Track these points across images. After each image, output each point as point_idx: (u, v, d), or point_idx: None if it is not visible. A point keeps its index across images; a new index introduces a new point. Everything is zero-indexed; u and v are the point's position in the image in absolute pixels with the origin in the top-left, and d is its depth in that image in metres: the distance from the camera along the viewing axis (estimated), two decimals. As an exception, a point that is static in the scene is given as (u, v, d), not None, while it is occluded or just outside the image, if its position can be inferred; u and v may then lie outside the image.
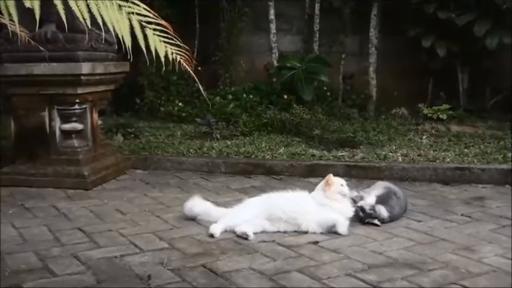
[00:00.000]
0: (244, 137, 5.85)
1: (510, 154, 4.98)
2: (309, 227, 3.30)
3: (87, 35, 4.30)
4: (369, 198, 3.53)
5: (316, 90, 6.98)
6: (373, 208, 3.46)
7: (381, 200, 3.53)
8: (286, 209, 3.34)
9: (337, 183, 3.43)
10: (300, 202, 3.40)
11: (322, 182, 3.44)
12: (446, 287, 2.54)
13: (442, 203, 3.98)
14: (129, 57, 1.85)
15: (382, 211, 3.48)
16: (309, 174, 4.77)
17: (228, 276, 2.65)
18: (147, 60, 1.75)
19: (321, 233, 3.26)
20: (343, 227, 3.29)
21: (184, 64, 1.78)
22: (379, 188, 3.69)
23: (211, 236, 3.20)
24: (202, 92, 3.09)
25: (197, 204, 3.51)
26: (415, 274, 2.69)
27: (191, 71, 1.81)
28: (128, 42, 1.74)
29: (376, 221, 3.42)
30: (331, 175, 3.45)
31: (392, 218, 3.50)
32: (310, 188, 3.60)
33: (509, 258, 2.91)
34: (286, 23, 7.71)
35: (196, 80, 1.98)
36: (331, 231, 3.28)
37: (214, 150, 5.27)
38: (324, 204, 3.36)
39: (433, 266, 2.80)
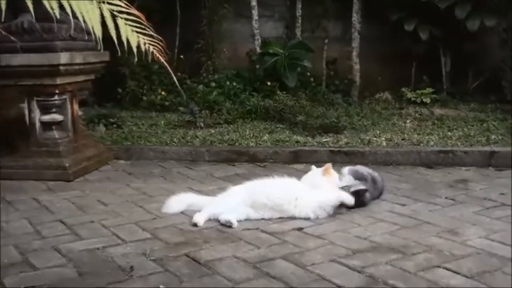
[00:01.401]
0: (227, 124, 5.83)
1: (493, 136, 5.00)
2: (302, 213, 3.29)
3: (65, 25, 4.23)
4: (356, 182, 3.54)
5: (300, 76, 6.94)
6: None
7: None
8: (271, 195, 3.33)
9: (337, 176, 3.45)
10: (289, 188, 3.39)
11: (322, 169, 3.44)
12: (430, 270, 2.54)
13: (426, 187, 3.98)
14: (99, 47, 1.81)
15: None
16: (293, 161, 4.76)
17: (211, 265, 2.63)
18: (119, 51, 1.70)
19: (307, 219, 3.26)
20: (349, 198, 3.33)
21: (157, 54, 1.74)
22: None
23: (195, 225, 3.19)
24: (175, 81, 3.03)
25: (179, 202, 3.47)
26: (399, 258, 2.69)
27: (164, 61, 1.77)
28: (98, 32, 1.69)
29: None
30: (330, 165, 3.44)
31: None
32: (295, 175, 3.59)
33: (493, 239, 2.92)
34: (268, 9, 7.65)
35: (170, 70, 1.94)
36: (314, 219, 3.28)
37: (197, 139, 5.24)
38: (320, 187, 3.36)
39: (417, 249, 2.80)
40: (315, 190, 3.36)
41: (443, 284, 2.39)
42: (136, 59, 2.22)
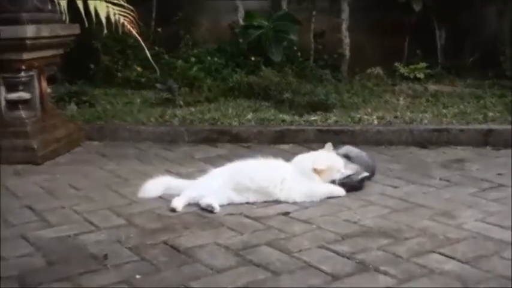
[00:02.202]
0: (208, 102, 5.79)
1: (490, 113, 5.01)
2: (287, 197, 3.30)
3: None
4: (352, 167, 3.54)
5: (286, 50, 6.89)
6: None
7: None
8: (255, 177, 3.32)
9: (331, 169, 3.39)
10: (274, 170, 3.39)
11: (310, 161, 3.39)
12: (423, 255, 2.55)
13: (419, 167, 3.99)
14: (64, 18, 1.76)
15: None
16: (278, 141, 4.75)
17: (191, 252, 2.62)
18: (86, 22, 1.66)
19: (294, 203, 3.26)
20: (340, 192, 3.36)
21: (128, 26, 1.70)
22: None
23: (173, 210, 3.17)
24: (149, 55, 2.99)
25: (156, 186, 3.45)
26: (390, 243, 2.69)
27: (136, 34, 1.73)
28: (63, 1, 1.65)
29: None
30: (318, 163, 3.38)
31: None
32: (281, 155, 3.59)
33: (490, 222, 2.94)
34: (251, -22, 7.57)
35: (143, 44, 1.89)
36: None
37: (176, 118, 5.21)
38: (310, 178, 3.35)
39: (410, 233, 2.81)
40: (304, 178, 3.35)
41: (437, 269, 2.41)
42: (105, 31, 2.17)
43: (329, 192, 3.38)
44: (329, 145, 3.55)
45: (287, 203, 3.27)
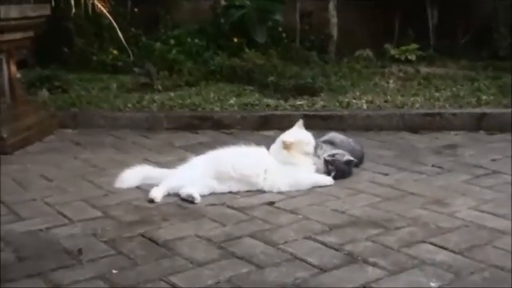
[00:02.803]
0: (189, 87, 5.78)
1: (484, 97, 5.04)
2: (272, 187, 3.30)
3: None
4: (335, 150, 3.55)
5: (270, 31, 6.88)
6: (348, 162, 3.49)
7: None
8: (237, 166, 3.32)
9: (300, 143, 3.39)
10: (258, 158, 3.38)
11: (279, 141, 3.40)
12: (414, 245, 2.56)
13: (411, 153, 4.01)
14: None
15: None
16: (263, 127, 4.75)
17: (171, 245, 2.62)
18: (52, 1, 1.62)
19: (279, 193, 3.27)
20: (328, 180, 3.38)
21: (99, 5, 1.67)
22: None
23: (152, 201, 3.16)
24: (121, 37, 2.96)
25: (134, 175, 3.43)
26: (380, 233, 2.70)
27: (107, 13, 1.70)
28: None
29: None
30: (287, 136, 3.39)
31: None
32: (265, 143, 3.58)
33: (483, 211, 2.96)
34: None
35: (114, 22, 1.87)
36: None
37: (155, 104, 5.19)
38: (287, 163, 3.35)
39: (401, 223, 2.82)
40: (285, 166, 3.35)
41: (428, 260, 2.42)
42: (74, 11, 2.14)
43: (315, 181, 3.39)
44: (300, 122, 3.54)
45: (272, 192, 3.27)
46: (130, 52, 5.38)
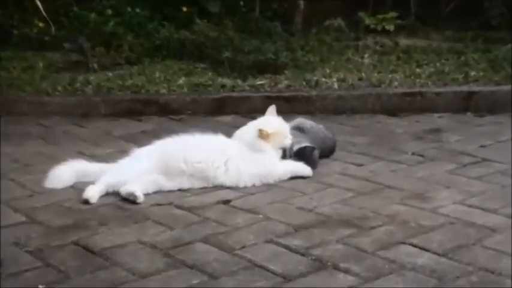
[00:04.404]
0: (130, 65, 5.75)
1: (473, 73, 5.10)
2: (234, 180, 3.31)
3: None
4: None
5: (225, -2, 6.87)
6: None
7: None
8: (189, 158, 3.32)
9: (279, 134, 3.42)
10: (214, 147, 3.39)
11: (253, 127, 3.41)
12: (392, 247, 2.59)
13: (388, 140, 4.06)
14: None
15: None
16: (218, 111, 4.76)
17: (109, 253, 2.61)
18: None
19: (236, 189, 3.28)
20: (306, 170, 3.40)
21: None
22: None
23: (86, 202, 3.15)
24: (39, 5, 2.91)
25: (65, 172, 3.40)
26: (353, 234, 2.73)
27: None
28: None
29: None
30: (265, 125, 3.40)
31: None
32: (221, 130, 3.59)
33: (471, 205, 3.01)
34: None
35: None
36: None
37: (90, 86, 5.15)
38: (257, 150, 3.37)
39: (376, 221, 2.85)
40: (256, 154, 3.37)
41: (408, 264, 2.45)
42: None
43: (291, 170, 3.40)
44: (272, 108, 3.56)
45: (227, 188, 3.28)
46: (51, 24, 5.31)
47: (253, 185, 3.33)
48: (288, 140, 3.45)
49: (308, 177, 3.42)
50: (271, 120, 3.49)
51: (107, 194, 3.22)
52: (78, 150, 3.95)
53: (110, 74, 5.46)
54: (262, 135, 3.38)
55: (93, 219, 2.96)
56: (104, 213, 3.04)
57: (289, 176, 3.40)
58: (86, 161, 3.54)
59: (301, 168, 3.43)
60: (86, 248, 2.66)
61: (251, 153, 3.38)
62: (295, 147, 3.48)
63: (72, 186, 3.36)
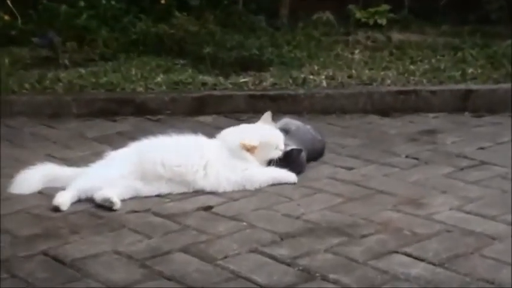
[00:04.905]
0: (105, 61, 5.72)
1: (470, 70, 5.12)
2: (215, 185, 3.32)
3: None
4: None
5: (207, -11, 6.86)
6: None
7: None
8: (168, 162, 3.33)
9: (266, 146, 3.42)
10: (195, 150, 3.40)
11: (237, 136, 3.42)
12: (385, 257, 2.60)
13: (380, 141, 4.07)
14: None
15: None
16: (198, 111, 4.75)
17: (81, 265, 2.60)
18: None
19: (219, 194, 3.28)
20: (291, 177, 3.41)
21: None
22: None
23: (57, 209, 3.13)
24: (7, 1, 2.90)
25: (34, 177, 3.39)
26: (343, 242, 2.73)
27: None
28: None
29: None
30: (248, 138, 3.40)
31: None
32: (202, 131, 3.59)
33: (469, 212, 3.02)
34: None
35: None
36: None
37: (61, 83, 5.13)
38: (238, 156, 3.38)
39: (368, 229, 2.86)
40: (236, 160, 3.39)
41: (402, 274, 2.46)
42: None
43: (276, 177, 3.42)
44: (268, 114, 3.59)
45: (209, 194, 3.28)
46: (17, 15, 5.28)
47: (233, 191, 3.32)
48: (277, 151, 3.45)
49: (293, 183, 3.42)
50: (260, 130, 3.50)
51: (79, 201, 3.21)
52: (47, 153, 3.94)
53: (83, 71, 5.43)
54: (246, 148, 3.38)
55: (63, 228, 2.95)
56: (75, 221, 3.03)
57: (271, 183, 3.40)
58: (56, 165, 3.53)
59: (285, 175, 3.44)
60: (55, 259, 2.65)
61: (232, 158, 3.39)
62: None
63: (40, 192, 3.35)
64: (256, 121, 3.68)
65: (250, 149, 3.38)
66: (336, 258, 2.61)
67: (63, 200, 3.16)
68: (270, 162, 3.46)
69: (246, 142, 3.38)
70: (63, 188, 3.26)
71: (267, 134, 3.48)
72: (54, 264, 2.62)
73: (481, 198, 3.18)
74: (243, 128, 3.59)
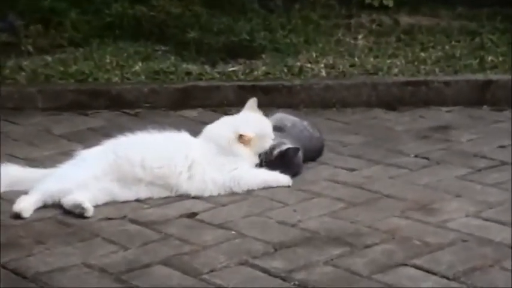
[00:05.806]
0: (75, 47, 5.70)
1: (490, 57, 5.12)
2: (200, 188, 3.33)
3: None
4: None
5: (190, -34, 6.85)
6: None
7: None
8: (148, 162, 3.33)
9: (262, 137, 3.45)
10: (177, 149, 3.41)
11: (230, 129, 3.44)
12: (391, 270, 2.60)
13: (386, 139, 4.07)
14: None
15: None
16: (181, 104, 4.76)
17: (45, 278, 2.60)
18: None
19: (205, 199, 3.29)
20: (285, 180, 3.43)
21: None
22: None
23: (18, 215, 3.12)
24: None
25: None
26: (344, 254, 2.74)
27: None
28: None
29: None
30: (244, 128, 3.42)
31: None
32: (186, 127, 3.60)
33: (487, 218, 3.02)
34: None
35: None
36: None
37: (23, 73, 5.12)
38: (228, 154, 3.40)
39: (372, 238, 2.86)
40: (225, 158, 3.39)
41: (411, 290, 2.47)
42: None
43: (265, 180, 3.43)
44: (253, 101, 3.59)
45: (196, 198, 3.28)
46: None
47: (219, 194, 3.33)
48: (270, 141, 3.47)
49: (287, 186, 3.42)
50: (252, 120, 3.51)
51: (45, 206, 3.20)
52: (8, 152, 3.92)
53: (49, 59, 5.43)
54: (243, 141, 3.39)
55: (26, 237, 2.94)
56: (40, 229, 3.02)
57: (261, 186, 3.41)
58: (17, 166, 3.52)
59: (278, 178, 3.45)
60: (16, 272, 2.65)
61: (219, 156, 3.40)
62: (276, 151, 3.48)
63: (0, 197, 3.33)
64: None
65: (246, 141, 3.39)
66: (337, 271, 2.61)
67: (25, 205, 3.15)
68: (261, 162, 3.47)
69: (245, 133, 3.39)
70: (25, 192, 3.24)
71: (260, 123, 3.51)
72: (15, 278, 2.61)
73: (501, 203, 3.18)
74: (231, 119, 3.59)
